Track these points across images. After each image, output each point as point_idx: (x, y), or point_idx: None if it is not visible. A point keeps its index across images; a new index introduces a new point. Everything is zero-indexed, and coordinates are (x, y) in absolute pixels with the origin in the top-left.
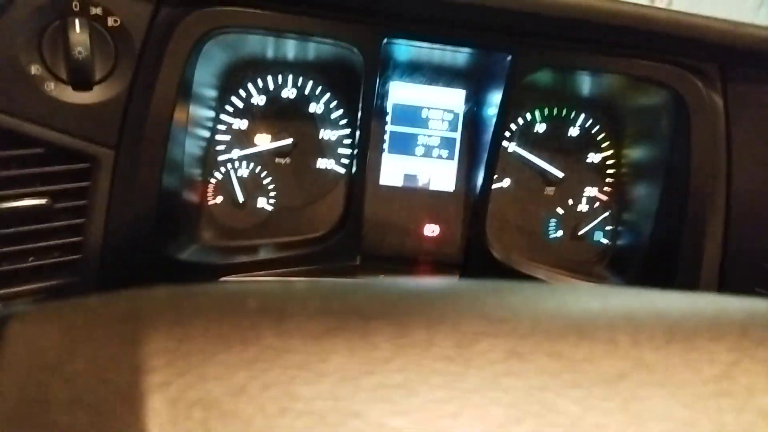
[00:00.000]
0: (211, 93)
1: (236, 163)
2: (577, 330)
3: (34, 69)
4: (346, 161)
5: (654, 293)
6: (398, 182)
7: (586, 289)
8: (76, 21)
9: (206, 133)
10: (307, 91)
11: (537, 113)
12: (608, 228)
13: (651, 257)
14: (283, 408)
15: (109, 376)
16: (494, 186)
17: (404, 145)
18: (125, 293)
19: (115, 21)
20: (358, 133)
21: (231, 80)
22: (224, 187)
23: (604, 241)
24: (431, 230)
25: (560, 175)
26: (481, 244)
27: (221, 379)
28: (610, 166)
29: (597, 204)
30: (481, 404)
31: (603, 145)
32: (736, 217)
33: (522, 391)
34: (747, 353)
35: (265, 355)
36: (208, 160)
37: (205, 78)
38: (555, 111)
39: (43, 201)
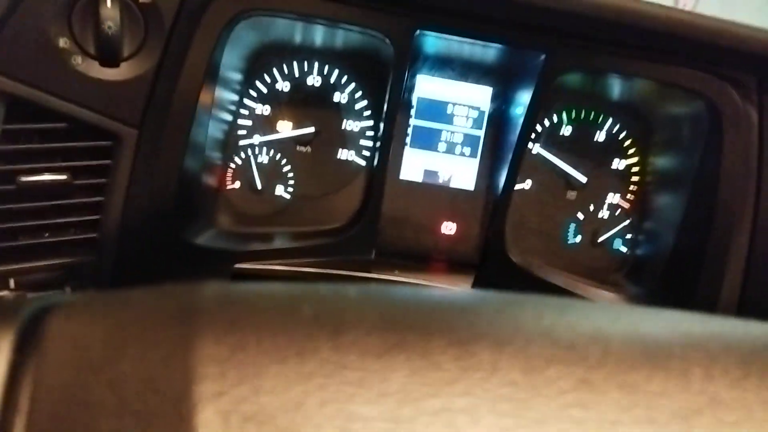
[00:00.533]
0: (237, 76)
1: (257, 149)
2: (649, 360)
3: (63, 42)
4: (367, 153)
5: (723, 320)
6: (418, 178)
7: (654, 312)
8: None
9: (229, 117)
10: (332, 80)
11: (564, 115)
12: (628, 236)
13: (671, 269)
14: (341, 428)
15: (158, 381)
16: (516, 187)
17: (427, 140)
18: (175, 288)
19: None
20: (381, 125)
21: (257, 65)
22: (243, 172)
23: (624, 249)
24: (449, 228)
25: (583, 179)
26: (498, 246)
27: (276, 393)
28: (635, 174)
29: (618, 211)
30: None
31: (629, 152)
32: (762, 233)
33: (593, 424)
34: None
35: (322, 370)
36: (229, 144)
37: (232, 61)
38: (583, 114)
39: (63, 177)
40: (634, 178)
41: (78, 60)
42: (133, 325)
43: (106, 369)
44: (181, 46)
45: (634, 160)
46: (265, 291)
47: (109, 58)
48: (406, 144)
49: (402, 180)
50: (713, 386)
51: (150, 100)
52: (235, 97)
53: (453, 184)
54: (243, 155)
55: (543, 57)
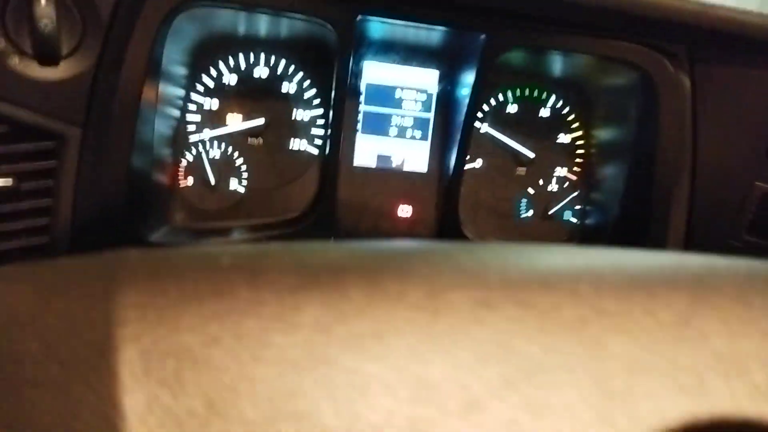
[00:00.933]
0: (182, 71)
1: (207, 144)
2: (543, 281)
3: None
4: (319, 142)
5: (617, 251)
6: (372, 163)
7: (554, 248)
8: None
9: (176, 113)
10: (279, 71)
11: (509, 94)
12: (577, 207)
13: (618, 236)
14: (256, 356)
15: (81, 330)
16: (467, 167)
17: (378, 125)
18: (97, 255)
19: None
20: (331, 113)
21: (202, 58)
22: (195, 168)
23: (574, 220)
24: (405, 211)
25: (531, 155)
26: (453, 225)
27: (194, 330)
28: (580, 147)
29: (567, 184)
30: (450, 350)
31: (573, 126)
32: (700, 194)
33: (489, 337)
34: (702, 301)
35: (239, 307)
36: (179, 140)
37: (175, 55)
38: (527, 92)
39: (8, 181)
40: (580, 151)
41: (15, 60)
42: (57, 284)
43: (31, 322)
44: (121, 41)
45: (579, 133)
46: (184, 250)
47: (48, 57)
48: (357, 130)
49: (356, 166)
50: (599, 299)
51: (92, 98)
52: (182, 92)
53: (406, 168)
54: (194, 151)
55: (484, 37)
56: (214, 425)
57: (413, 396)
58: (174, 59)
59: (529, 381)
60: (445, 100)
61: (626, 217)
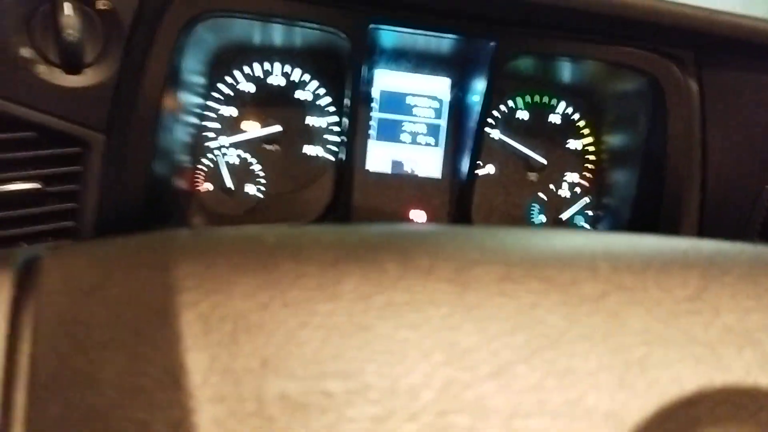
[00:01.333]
0: (200, 80)
1: (225, 150)
2: (563, 259)
3: (25, 52)
4: (334, 148)
5: (633, 235)
6: (386, 169)
7: (575, 231)
8: (66, 3)
9: (195, 120)
10: (294, 78)
11: (519, 101)
12: (589, 213)
13: None
14: (302, 322)
15: (143, 297)
16: (479, 172)
17: (391, 132)
18: (151, 233)
19: (105, 4)
20: (345, 120)
21: (219, 67)
22: (213, 174)
23: (585, 225)
24: (418, 216)
25: (543, 161)
26: None
27: (246, 298)
28: (591, 153)
29: (578, 189)
30: (479, 319)
31: (583, 132)
32: (710, 198)
33: (514, 308)
34: (715, 279)
35: (285, 278)
36: (198, 147)
37: (193, 64)
38: (537, 98)
39: (35, 185)
40: (590, 157)
41: (41, 69)
42: (118, 257)
43: (96, 292)
44: (142, 50)
45: (589, 140)
46: (230, 229)
47: (72, 65)
48: (371, 137)
49: (370, 172)
50: (617, 276)
51: (115, 105)
52: (200, 100)
53: (419, 173)
54: (212, 157)
55: (493, 45)
56: (270, 381)
57: (447, 360)
58: (193, 68)
59: (552, 348)
60: (457, 107)
61: (637, 221)
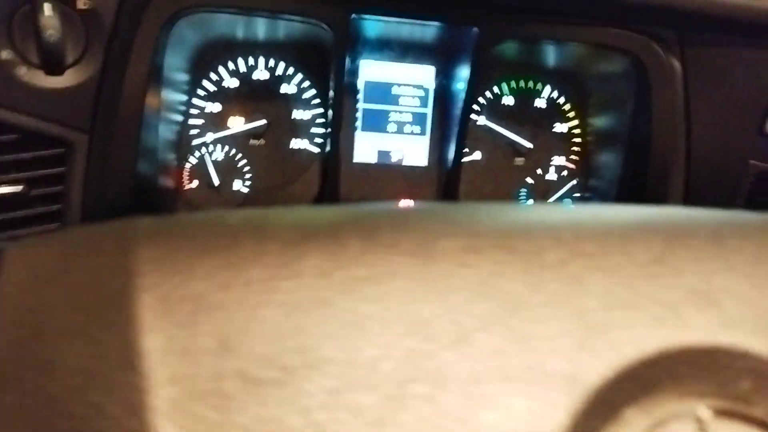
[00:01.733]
0: (183, 77)
1: (210, 147)
2: (527, 230)
3: (5, 54)
4: (320, 140)
5: (598, 206)
6: (372, 159)
7: (542, 205)
8: (46, 4)
9: (179, 118)
10: (278, 72)
11: (504, 86)
12: (576, 195)
13: None
14: (263, 300)
15: (102, 282)
16: (466, 159)
17: (377, 122)
18: (112, 222)
19: (85, 3)
20: (330, 111)
21: (202, 63)
22: (199, 171)
23: None
24: (406, 205)
25: (529, 145)
26: None
27: (206, 278)
28: (576, 135)
29: (565, 172)
30: (441, 290)
31: (569, 115)
32: (695, 175)
33: (477, 278)
34: (679, 241)
35: (246, 257)
36: (183, 144)
37: (176, 61)
38: (522, 83)
39: (19, 188)
40: (576, 140)
41: (23, 71)
42: (79, 244)
43: (57, 279)
44: (123, 49)
45: (575, 122)
46: (193, 215)
47: (54, 66)
48: (357, 128)
49: (356, 163)
50: (579, 243)
51: (98, 105)
52: (184, 98)
53: (406, 162)
54: (197, 154)
55: (476, 31)
56: (227, 360)
57: (408, 331)
58: (176, 65)
59: (513, 316)
60: (442, 95)
61: (624, 201)
